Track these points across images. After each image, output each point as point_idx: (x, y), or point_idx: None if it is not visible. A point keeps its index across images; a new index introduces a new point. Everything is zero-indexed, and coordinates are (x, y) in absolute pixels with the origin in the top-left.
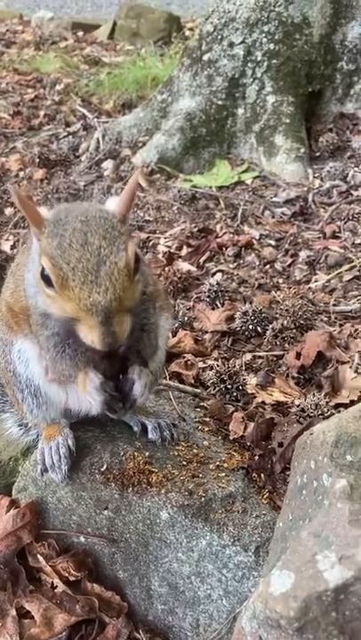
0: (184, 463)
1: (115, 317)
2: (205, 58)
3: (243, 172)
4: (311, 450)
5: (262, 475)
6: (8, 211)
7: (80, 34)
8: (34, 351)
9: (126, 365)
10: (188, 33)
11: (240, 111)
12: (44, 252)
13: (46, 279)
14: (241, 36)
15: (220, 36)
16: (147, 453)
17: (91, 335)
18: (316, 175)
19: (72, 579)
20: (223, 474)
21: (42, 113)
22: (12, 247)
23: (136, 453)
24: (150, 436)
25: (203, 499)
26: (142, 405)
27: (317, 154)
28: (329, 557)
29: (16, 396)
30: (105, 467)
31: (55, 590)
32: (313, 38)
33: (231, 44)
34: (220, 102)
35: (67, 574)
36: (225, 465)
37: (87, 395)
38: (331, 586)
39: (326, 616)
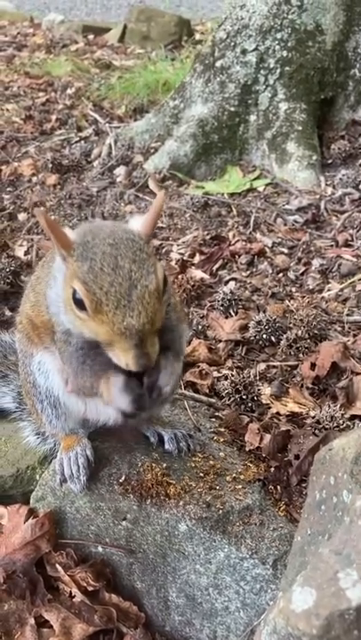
0: (201, 475)
1: (148, 339)
2: (218, 64)
3: (255, 179)
4: (331, 465)
5: (279, 487)
6: (21, 216)
7: (90, 37)
8: (54, 363)
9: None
10: (198, 37)
11: (252, 118)
12: (75, 275)
13: (79, 303)
14: (254, 43)
15: (233, 43)
16: (164, 465)
17: (125, 358)
18: (328, 183)
19: (90, 589)
20: (240, 486)
21: (53, 117)
22: (26, 253)
23: (154, 464)
24: (167, 446)
25: (220, 511)
26: (160, 414)
27: (329, 161)
28: (351, 575)
29: (35, 407)
30: (123, 478)
31: (73, 600)
32: (326, 46)
33: (244, 51)
34: (232, 109)
35: (85, 584)
36: (241, 477)
37: (114, 398)
38: (353, 604)
39: (348, 634)
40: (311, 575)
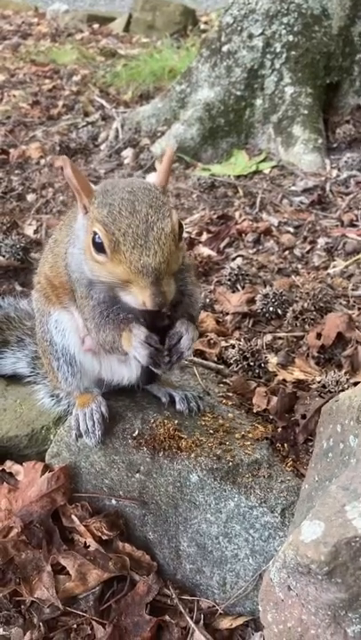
0: (211, 432)
1: (163, 279)
2: (225, 49)
3: (261, 161)
4: (337, 415)
5: (286, 445)
6: (30, 197)
7: (95, 26)
8: (71, 322)
9: (172, 323)
10: (203, 26)
11: (258, 102)
12: (95, 219)
13: (98, 245)
14: (260, 28)
15: (239, 28)
16: (176, 421)
17: (142, 296)
18: (333, 165)
19: (105, 537)
20: (248, 442)
21: (60, 103)
22: (35, 231)
23: (166, 421)
24: (178, 406)
25: (230, 463)
26: (170, 378)
27: (335, 145)
28: (357, 507)
29: (51, 365)
30: (137, 432)
31: (88, 549)
32: (332, 30)
33: (250, 36)
34: (238, 93)
35: (99, 533)
36: (250, 435)
37: (132, 349)
38: (360, 532)
39: (355, 561)
40: (320, 509)
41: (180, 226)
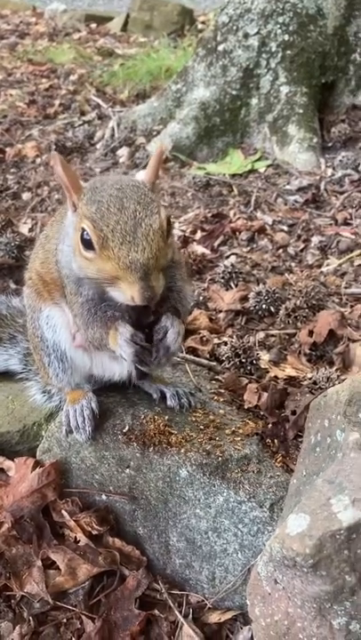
0: (201, 427)
1: (152, 274)
2: (220, 48)
3: (256, 160)
4: (325, 409)
5: (276, 441)
6: (25, 195)
7: (93, 26)
8: (62, 318)
9: (157, 318)
10: (201, 26)
11: (254, 101)
12: (84, 216)
13: (86, 242)
14: (256, 27)
15: (235, 27)
16: (166, 417)
17: (130, 291)
18: (328, 164)
19: (95, 532)
20: (238, 438)
21: (57, 102)
22: (30, 230)
23: (156, 417)
24: (169, 402)
25: (220, 458)
26: (162, 374)
27: (330, 144)
28: (343, 500)
29: (42, 361)
30: (127, 428)
31: (78, 544)
32: (327, 30)
33: (246, 35)
34: (234, 92)
35: (89, 528)
36: (240, 431)
37: (118, 348)
38: (344, 525)
39: (339, 554)
40: (306, 503)
41: (169, 222)
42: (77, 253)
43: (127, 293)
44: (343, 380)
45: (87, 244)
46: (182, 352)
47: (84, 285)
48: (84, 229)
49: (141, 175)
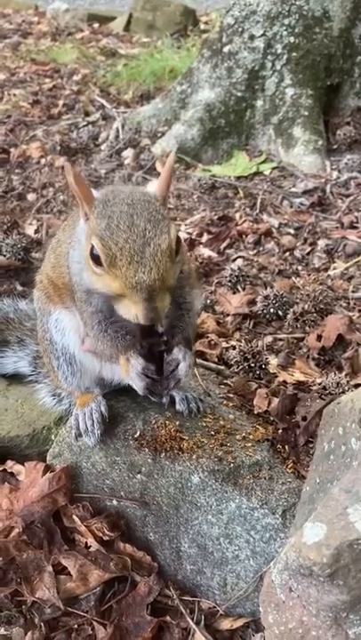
0: (212, 433)
1: (158, 295)
2: (226, 50)
3: (261, 162)
4: (339, 417)
5: (286, 447)
6: (30, 196)
7: (96, 25)
8: (71, 322)
9: (169, 346)
10: (203, 27)
11: (259, 103)
12: (93, 232)
13: (95, 258)
14: (262, 29)
15: (240, 29)
16: (177, 422)
17: (135, 310)
18: (333, 167)
19: (106, 538)
20: (250, 444)
21: (61, 102)
22: (36, 231)
23: (167, 422)
24: (178, 407)
25: (232, 465)
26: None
27: (335, 147)
28: (360, 510)
29: (52, 364)
30: (138, 433)
31: (89, 549)
32: (333, 32)
33: (252, 37)
34: (239, 94)
35: (100, 534)
36: (251, 436)
37: (130, 380)
38: None
39: (357, 563)
40: (322, 512)
41: (179, 241)
42: (87, 266)
43: (132, 312)
44: (353, 386)
45: (96, 260)
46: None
47: (93, 296)
48: (93, 246)
49: (153, 187)
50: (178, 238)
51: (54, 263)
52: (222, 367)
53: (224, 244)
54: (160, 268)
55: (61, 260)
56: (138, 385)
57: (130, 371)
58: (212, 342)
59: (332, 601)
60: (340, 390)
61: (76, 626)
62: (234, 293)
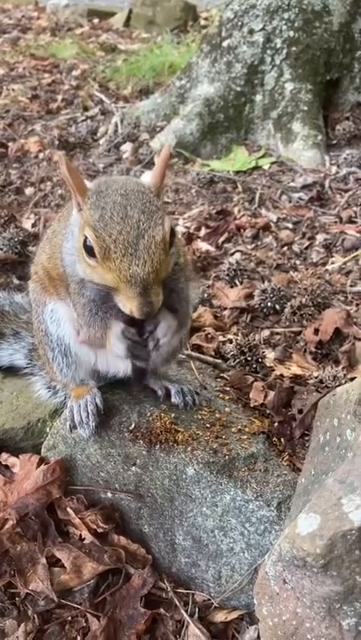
0: (207, 425)
1: (152, 289)
2: (225, 44)
3: (260, 157)
4: (334, 409)
5: (282, 439)
6: (28, 190)
7: (95, 21)
8: (67, 313)
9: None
10: (203, 22)
11: (258, 98)
12: (87, 223)
13: (89, 250)
14: (261, 23)
15: (240, 23)
16: (172, 415)
17: (129, 304)
18: (332, 162)
19: (100, 530)
20: (245, 437)
21: (59, 97)
22: (33, 225)
23: (162, 414)
24: (173, 400)
25: (227, 457)
26: (167, 371)
27: (334, 141)
28: (354, 500)
29: (47, 355)
30: (133, 425)
31: (83, 542)
32: (333, 27)
33: (251, 31)
34: (238, 89)
35: (95, 526)
36: (246, 429)
37: (111, 345)
38: (356, 525)
39: (350, 554)
40: (316, 502)
41: (173, 232)
42: (81, 258)
43: (127, 306)
44: (350, 379)
45: (89, 252)
46: (187, 349)
47: (86, 287)
48: (86, 237)
49: (147, 177)
50: (172, 230)
51: (50, 254)
52: (219, 361)
53: (222, 239)
54: (154, 260)
55: (56, 250)
56: (119, 348)
57: (110, 336)
58: (209, 336)
59: (326, 592)
60: (337, 384)
61: (69, 618)
62: (231, 287)
